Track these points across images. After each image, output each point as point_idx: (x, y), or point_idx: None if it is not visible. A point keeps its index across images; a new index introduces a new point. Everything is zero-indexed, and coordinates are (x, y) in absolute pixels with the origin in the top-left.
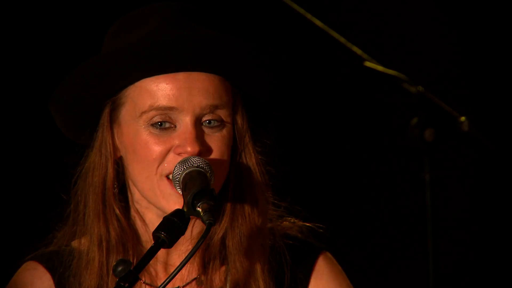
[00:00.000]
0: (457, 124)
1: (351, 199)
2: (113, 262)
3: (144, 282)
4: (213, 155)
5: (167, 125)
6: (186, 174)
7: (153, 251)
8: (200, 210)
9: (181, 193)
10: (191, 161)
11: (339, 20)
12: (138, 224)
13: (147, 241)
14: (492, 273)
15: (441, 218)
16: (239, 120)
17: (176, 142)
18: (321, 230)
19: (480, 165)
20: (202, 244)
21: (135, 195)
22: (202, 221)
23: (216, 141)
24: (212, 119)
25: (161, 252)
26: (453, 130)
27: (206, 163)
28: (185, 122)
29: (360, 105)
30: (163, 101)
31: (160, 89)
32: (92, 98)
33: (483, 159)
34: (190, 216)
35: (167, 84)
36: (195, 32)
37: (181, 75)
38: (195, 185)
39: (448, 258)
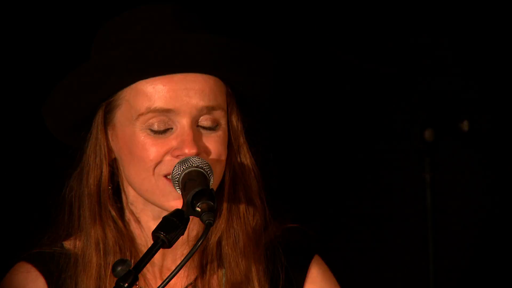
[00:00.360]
0: (457, 124)
1: (351, 199)
2: (111, 264)
3: (139, 287)
4: (210, 157)
5: (164, 127)
6: (185, 174)
7: (152, 251)
8: (200, 210)
9: (180, 193)
10: (191, 161)
11: (339, 20)
12: (133, 226)
13: (143, 243)
14: (492, 273)
15: (441, 218)
16: (234, 121)
17: (173, 144)
18: (311, 232)
19: (480, 164)
20: (199, 247)
21: (130, 197)
22: (202, 221)
23: (212, 142)
24: (209, 120)
25: (157, 256)
26: (453, 130)
27: (205, 163)
28: (182, 124)
29: (360, 105)
30: (160, 103)
31: (157, 91)
32: (86, 101)
33: (483, 159)
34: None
35: (164, 85)
36: (190, 33)
37: (177, 77)
38: (194, 185)
39: (448, 258)
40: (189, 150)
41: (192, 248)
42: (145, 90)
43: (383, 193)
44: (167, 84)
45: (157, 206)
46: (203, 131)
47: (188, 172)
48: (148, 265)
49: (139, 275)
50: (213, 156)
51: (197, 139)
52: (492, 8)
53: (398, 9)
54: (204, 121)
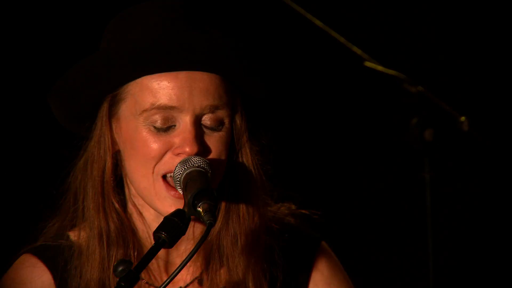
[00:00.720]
0: (457, 124)
1: (351, 199)
2: (114, 255)
3: (143, 281)
4: (212, 155)
5: (167, 124)
6: (187, 174)
7: (153, 251)
8: (201, 210)
9: (181, 193)
10: (192, 161)
11: (339, 20)
12: (135, 217)
13: (145, 235)
14: (492, 273)
15: (441, 218)
16: (238, 120)
17: (175, 141)
18: (316, 216)
19: (480, 164)
20: (203, 243)
21: (132, 189)
22: (203, 221)
23: (215, 141)
24: (212, 119)
25: (162, 251)
26: (453, 130)
27: (207, 163)
28: (185, 121)
29: (360, 105)
30: (164, 100)
31: (162, 88)
32: (91, 93)
33: (483, 159)
34: (191, 217)
35: (168, 82)
36: (197, 32)
37: (182, 74)
38: (195, 185)
39: (448, 258)
40: (190, 149)
41: (193, 249)
42: (150, 86)
43: (383, 193)
44: (172, 81)
45: (152, 208)
46: (206, 130)
47: (189, 172)
48: (153, 260)
49: (145, 271)
50: (214, 155)
51: (198, 138)
52: (493, 7)
53: (399, 8)
54: (208, 120)
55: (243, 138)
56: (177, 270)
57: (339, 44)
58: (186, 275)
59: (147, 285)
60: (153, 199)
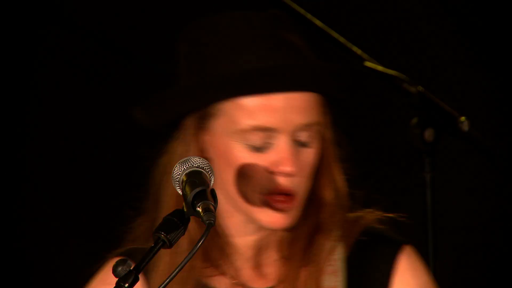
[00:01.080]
0: (457, 124)
1: (351, 199)
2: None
3: (229, 278)
4: (305, 172)
5: (264, 144)
6: (186, 174)
7: (153, 252)
8: (200, 210)
9: (181, 193)
10: (191, 161)
11: (339, 20)
12: (217, 225)
13: (222, 245)
14: (492, 273)
15: (441, 218)
16: (326, 134)
17: (271, 159)
18: (403, 219)
19: (480, 165)
20: (286, 244)
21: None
22: (202, 221)
23: (308, 158)
24: (306, 136)
25: (249, 252)
26: (453, 130)
27: (206, 163)
28: (281, 140)
29: (360, 105)
30: (261, 121)
31: (258, 109)
32: (182, 110)
33: (483, 159)
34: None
35: (264, 102)
36: (288, 52)
37: (278, 94)
38: (195, 185)
39: (448, 258)
40: (290, 167)
41: (193, 249)
42: (245, 106)
43: (383, 193)
44: (268, 101)
45: (251, 218)
46: (300, 147)
47: (189, 173)
48: (241, 262)
49: (234, 272)
50: (307, 172)
51: (296, 156)
52: (493, 7)
53: (398, 9)
54: (302, 137)
55: (329, 150)
56: (176, 270)
57: (339, 44)
58: (275, 274)
59: (235, 285)
60: (253, 212)
